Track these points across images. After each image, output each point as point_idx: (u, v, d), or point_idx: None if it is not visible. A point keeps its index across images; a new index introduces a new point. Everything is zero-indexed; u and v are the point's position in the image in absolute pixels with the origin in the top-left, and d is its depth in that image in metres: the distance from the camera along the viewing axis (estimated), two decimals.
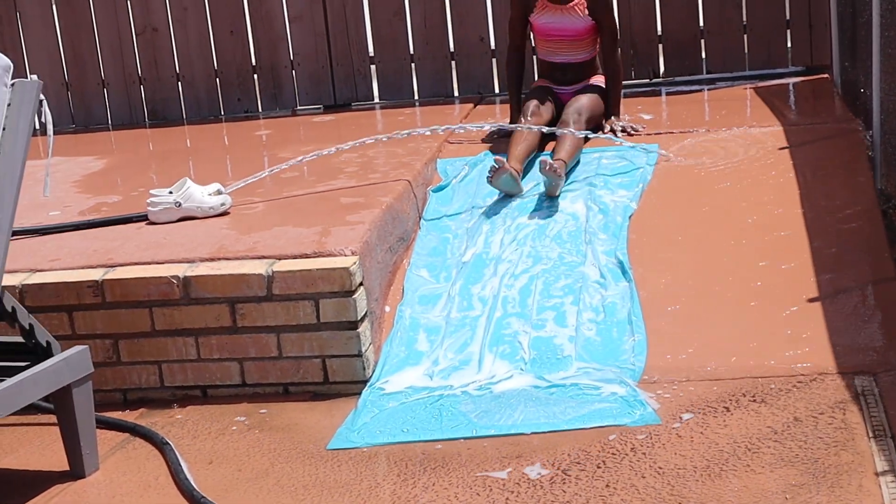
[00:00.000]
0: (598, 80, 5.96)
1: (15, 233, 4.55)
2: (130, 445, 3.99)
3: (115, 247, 4.62)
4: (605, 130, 5.82)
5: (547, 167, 5.08)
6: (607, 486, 3.34)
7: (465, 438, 3.76)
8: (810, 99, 6.55)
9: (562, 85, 5.93)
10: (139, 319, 4.31)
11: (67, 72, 7.67)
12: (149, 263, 4.41)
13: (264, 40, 7.49)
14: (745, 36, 7.11)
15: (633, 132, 5.84)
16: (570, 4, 5.80)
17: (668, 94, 6.92)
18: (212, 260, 4.37)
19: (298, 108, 7.56)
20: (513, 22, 6.02)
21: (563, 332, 4.34)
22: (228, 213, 4.95)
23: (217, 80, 7.57)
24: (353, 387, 4.22)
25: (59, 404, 3.72)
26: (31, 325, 3.64)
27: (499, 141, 5.85)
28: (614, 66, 5.93)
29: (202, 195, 4.92)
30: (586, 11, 5.80)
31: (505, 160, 5.23)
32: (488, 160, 5.63)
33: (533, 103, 5.74)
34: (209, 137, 7.06)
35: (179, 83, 7.61)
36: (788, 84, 6.83)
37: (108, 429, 4.10)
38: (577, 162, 5.49)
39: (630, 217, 5.04)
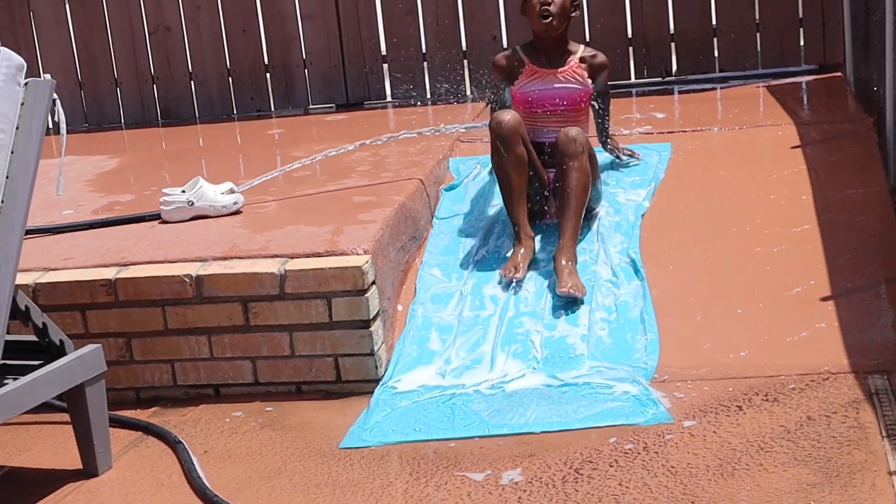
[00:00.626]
0: None
1: (28, 231, 4.55)
2: (143, 444, 3.99)
3: (128, 246, 4.63)
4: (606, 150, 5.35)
5: (565, 291, 4.42)
6: (620, 484, 3.34)
7: (477, 437, 3.75)
8: (823, 97, 6.53)
9: (547, 168, 4.95)
10: (152, 318, 4.32)
11: (80, 71, 7.69)
12: (161, 262, 4.41)
13: (277, 39, 7.50)
14: (758, 34, 7.11)
15: (628, 157, 5.45)
16: (566, 68, 5.01)
17: (680, 92, 6.92)
18: (224, 259, 4.38)
19: (311, 107, 7.57)
20: (494, 100, 5.17)
21: (576, 331, 4.34)
22: (241, 212, 4.95)
23: (230, 79, 7.59)
24: (365, 385, 4.23)
25: (72, 403, 3.72)
26: (44, 323, 3.64)
27: None
28: (607, 98, 5.22)
29: (215, 194, 4.93)
30: (585, 75, 5.02)
31: (512, 268, 4.63)
32: None
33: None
34: (222, 136, 7.07)
35: (192, 82, 7.63)
36: (801, 82, 6.82)
37: (121, 427, 4.11)
38: (593, 198, 4.89)
39: (643, 216, 5.04)
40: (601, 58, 5.09)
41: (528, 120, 4.93)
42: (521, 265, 4.63)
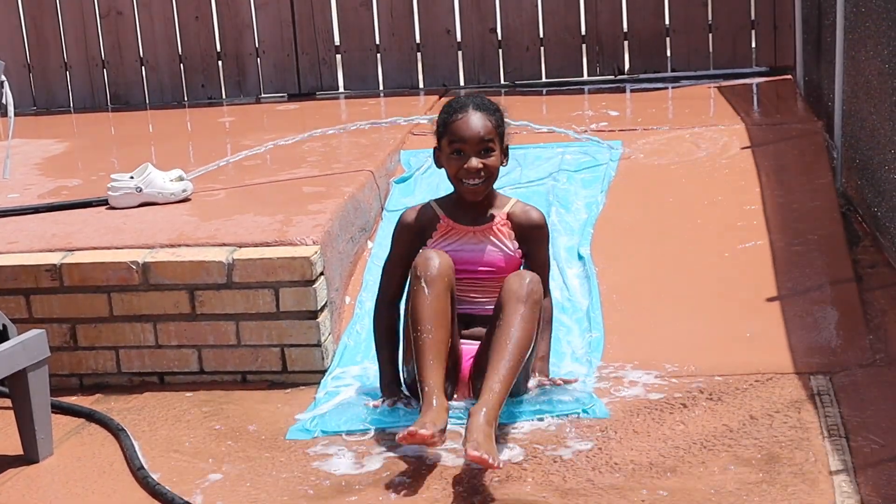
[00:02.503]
0: None
1: None
2: (86, 431, 3.96)
3: (75, 231, 4.59)
4: (532, 387, 3.90)
5: (475, 454, 3.29)
6: (562, 479, 3.35)
7: None
8: (773, 99, 6.59)
9: (464, 338, 3.88)
10: (97, 304, 4.28)
11: (30, 53, 7.62)
12: (108, 248, 4.38)
13: (229, 27, 7.47)
14: (710, 35, 7.16)
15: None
16: (491, 225, 3.91)
17: (632, 91, 6.95)
18: (172, 246, 4.35)
19: (262, 95, 7.54)
20: (391, 264, 4.02)
21: None
22: (189, 200, 4.92)
23: (181, 65, 7.54)
24: (311, 376, 4.21)
25: (14, 388, 3.69)
26: None
27: None
28: (544, 308, 3.89)
29: (163, 181, 4.89)
30: (513, 235, 3.90)
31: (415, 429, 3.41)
32: None
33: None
34: (172, 123, 7.03)
35: (143, 68, 7.58)
36: (752, 84, 6.88)
37: (63, 414, 4.07)
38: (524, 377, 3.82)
39: (593, 214, 5.05)
40: (535, 214, 3.94)
41: None
42: (429, 424, 3.42)
